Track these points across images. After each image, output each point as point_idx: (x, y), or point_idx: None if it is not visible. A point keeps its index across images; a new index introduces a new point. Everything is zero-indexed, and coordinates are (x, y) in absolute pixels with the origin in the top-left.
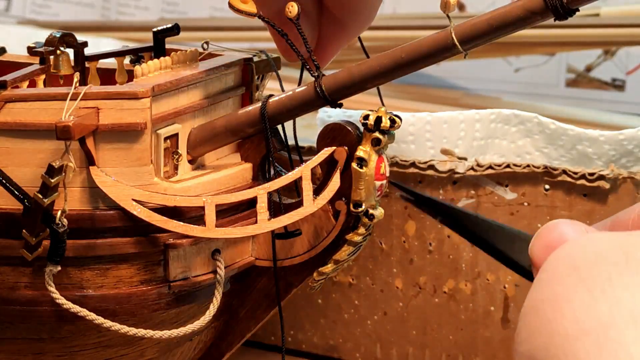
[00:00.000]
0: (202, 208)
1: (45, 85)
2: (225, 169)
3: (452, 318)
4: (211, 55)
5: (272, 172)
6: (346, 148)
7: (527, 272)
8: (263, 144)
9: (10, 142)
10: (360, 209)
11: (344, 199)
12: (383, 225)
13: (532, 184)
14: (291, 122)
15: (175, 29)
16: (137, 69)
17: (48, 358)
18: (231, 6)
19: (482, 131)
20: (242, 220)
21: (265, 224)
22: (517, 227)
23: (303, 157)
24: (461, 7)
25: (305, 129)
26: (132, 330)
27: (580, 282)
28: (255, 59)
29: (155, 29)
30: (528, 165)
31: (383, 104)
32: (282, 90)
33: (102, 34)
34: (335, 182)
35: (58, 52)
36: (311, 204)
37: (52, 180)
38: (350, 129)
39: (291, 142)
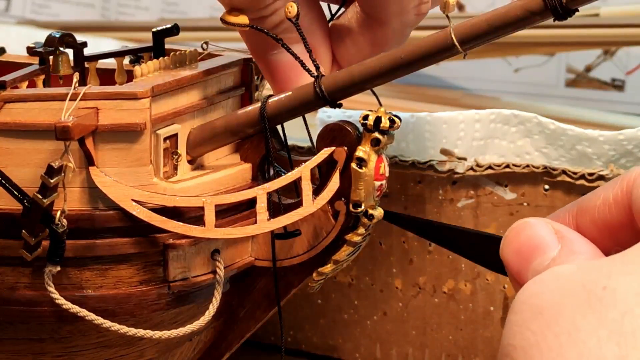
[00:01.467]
0: (202, 208)
1: (44, 85)
2: (224, 169)
3: (451, 318)
4: (211, 56)
5: (271, 172)
6: (345, 148)
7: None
8: (262, 144)
9: (9, 142)
10: (359, 209)
11: (343, 199)
12: (383, 225)
13: (532, 184)
14: (291, 122)
15: (174, 29)
16: (137, 69)
17: (47, 358)
18: (223, 21)
19: (481, 131)
20: (242, 220)
21: (264, 224)
22: None
23: (303, 157)
24: (461, 7)
25: (305, 129)
26: (132, 331)
27: (547, 328)
28: None
29: (154, 29)
30: (527, 166)
31: (380, 104)
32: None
33: (102, 34)
34: (334, 183)
35: (57, 52)
36: (311, 204)
37: (52, 181)
38: (349, 129)
39: (291, 142)
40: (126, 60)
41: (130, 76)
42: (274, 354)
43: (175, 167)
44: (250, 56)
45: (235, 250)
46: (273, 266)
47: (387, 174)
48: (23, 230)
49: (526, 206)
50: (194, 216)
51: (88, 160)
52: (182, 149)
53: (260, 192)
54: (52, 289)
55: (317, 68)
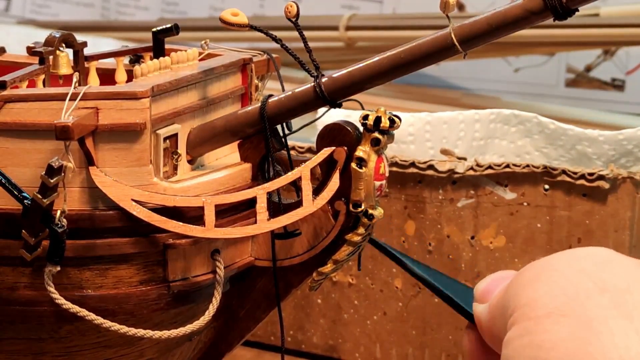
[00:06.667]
0: (202, 208)
1: (44, 85)
2: (224, 169)
3: (451, 318)
4: (211, 55)
5: (271, 172)
6: (345, 148)
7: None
8: (262, 144)
9: (9, 142)
10: (359, 209)
11: (343, 199)
12: (383, 225)
13: (532, 183)
14: (292, 122)
15: (174, 29)
16: (137, 69)
17: (47, 358)
18: (222, 21)
19: (481, 131)
20: (242, 220)
21: (264, 224)
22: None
23: (303, 157)
24: (461, 7)
25: (305, 129)
26: (132, 331)
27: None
28: (255, 58)
29: (154, 29)
30: (527, 165)
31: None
32: (284, 90)
33: (102, 34)
34: (334, 182)
35: (57, 52)
36: (310, 204)
37: (52, 181)
38: (349, 129)
39: (291, 142)
40: (126, 60)
41: (130, 76)
42: (274, 354)
43: (175, 167)
44: (250, 56)
45: (235, 250)
46: (273, 266)
47: (387, 174)
48: (23, 230)
49: (526, 206)
50: (194, 216)
51: (88, 160)
52: (182, 148)
53: (260, 192)
54: (52, 288)
55: (317, 68)
